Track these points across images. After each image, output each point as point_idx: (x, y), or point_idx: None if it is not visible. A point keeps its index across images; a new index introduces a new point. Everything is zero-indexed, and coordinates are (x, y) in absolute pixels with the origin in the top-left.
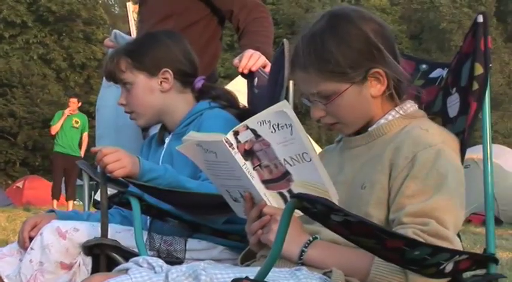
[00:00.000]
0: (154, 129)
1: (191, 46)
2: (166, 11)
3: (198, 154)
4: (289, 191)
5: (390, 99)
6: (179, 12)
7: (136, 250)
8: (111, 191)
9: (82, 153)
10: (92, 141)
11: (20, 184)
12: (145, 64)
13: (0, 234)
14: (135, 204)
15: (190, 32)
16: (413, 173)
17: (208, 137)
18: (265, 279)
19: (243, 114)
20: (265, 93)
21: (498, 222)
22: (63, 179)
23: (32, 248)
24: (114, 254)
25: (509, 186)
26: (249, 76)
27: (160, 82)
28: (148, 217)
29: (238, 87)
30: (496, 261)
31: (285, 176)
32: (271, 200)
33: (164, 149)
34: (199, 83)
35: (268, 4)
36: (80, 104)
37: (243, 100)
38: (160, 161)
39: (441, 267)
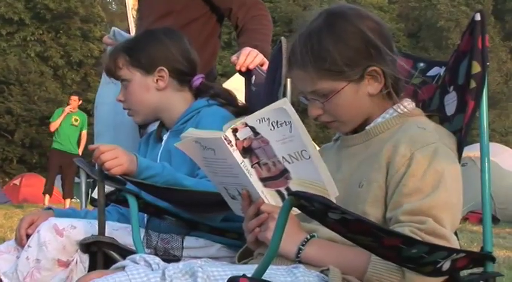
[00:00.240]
0: (153, 127)
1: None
2: (166, 8)
3: (196, 151)
4: (287, 189)
5: (387, 97)
6: (178, 10)
7: (133, 248)
8: (108, 188)
9: (80, 151)
10: (90, 138)
11: (17, 181)
12: (142, 62)
13: None
14: (132, 201)
15: (189, 30)
16: (410, 172)
17: (207, 134)
18: (263, 277)
19: (241, 112)
20: (262, 91)
21: (495, 220)
22: (60, 176)
23: (29, 246)
24: (111, 252)
25: (506, 185)
26: (247, 74)
27: (156, 80)
28: (145, 215)
29: (236, 85)
30: (493, 259)
31: (283, 173)
32: (269, 197)
33: (162, 146)
34: (197, 81)
35: (266, 2)
36: (80, 102)
37: (240, 98)
38: (158, 158)
39: (438, 265)
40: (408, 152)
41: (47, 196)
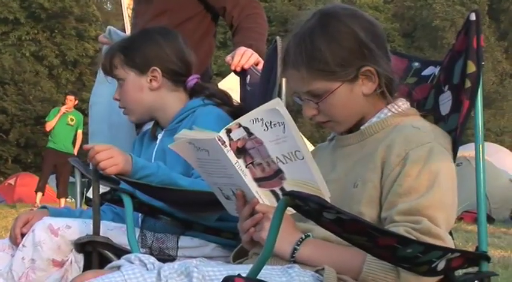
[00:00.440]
0: (148, 126)
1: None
2: (160, 7)
3: (190, 152)
4: (282, 189)
5: (382, 97)
6: (172, 9)
7: (128, 247)
8: (103, 188)
9: (76, 151)
10: (85, 138)
11: (12, 181)
12: (136, 62)
13: None
14: (127, 201)
15: (184, 29)
16: (405, 171)
17: (201, 135)
18: (258, 277)
19: (236, 112)
20: (257, 91)
21: (490, 220)
22: (55, 176)
23: (23, 245)
24: (106, 251)
25: (501, 185)
26: (242, 73)
27: (150, 80)
28: (140, 214)
29: (231, 85)
30: (488, 259)
31: (278, 174)
32: (264, 198)
33: (157, 145)
34: (192, 81)
35: (261, 1)
36: (76, 102)
37: (235, 97)
38: (153, 157)
39: (433, 265)
40: (403, 151)
41: (39, 194)
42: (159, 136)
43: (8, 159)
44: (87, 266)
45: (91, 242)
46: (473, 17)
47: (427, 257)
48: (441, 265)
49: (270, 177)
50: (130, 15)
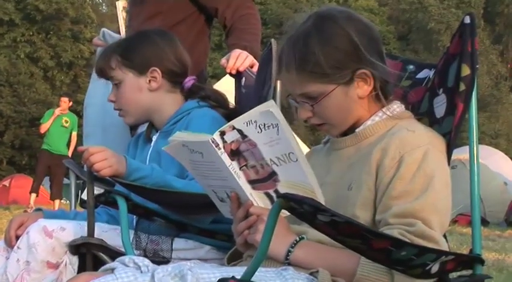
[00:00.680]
0: (142, 128)
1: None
2: (153, 9)
3: (184, 154)
4: (276, 191)
5: (377, 100)
6: (166, 11)
7: (122, 249)
8: (97, 190)
9: (70, 153)
10: (80, 140)
11: (6, 183)
12: (135, 62)
13: None
14: (121, 203)
15: (178, 30)
16: (399, 174)
17: (194, 138)
18: (252, 279)
19: (231, 114)
20: (252, 93)
21: (485, 223)
22: (49, 178)
23: (18, 247)
24: (101, 254)
25: (495, 187)
26: (237, 76)
27: (149, 81)
28: (134, 216)
29: (226, 87)
30: (482, 262)
31: (272, 176)
32: (258, 200)
33: (151, 147)
34: (189, 83)
35: (256, 4)
36: (71, 103)
37: (231, 100)
38: (148, 159)
39: (427, 267)
40: (397, 154)
41: (33, 195)
42: (154, 138)
43: (3, 161)
44: (81, 268)
45: (85, 243)
46: (467, 20)
47: (421, 260)
48: (435, 268)
49: (264, 179)
50: (125, 17)
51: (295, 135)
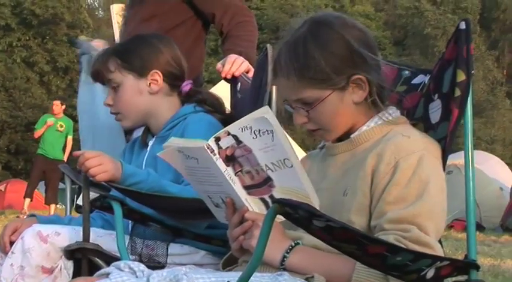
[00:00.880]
0: (138, 132)
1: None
2: (149, 12)
3: (180, 160)
4: (271, 197)
5: (372, 105)
6: (162, 14)
7: (118, 254)
8: (93, 194)
9: (66, 157)
10: (76, 144)
11: (2, 187)
12: (135, 65)
13: None
14: (117, 208)
15: (174, 34)
16: (395, 180)
17: (190, 143)
18: None
19: (227, 119)
20: (248, 98)
21: (480, 228)
22: (44, 182)
23: (13, 252)
24: (96, 258)
25: (491, 193)
26: (233, 81)
27: (149, 84)
28: (130, 221)
29: (221, 93)
30: (477, 267)
31: (267, 181)
32: (253, 205)
33: (147, 152)
34: (186, 86)
35: (252, 9)
36: (63, 106)
37: (226, 105)
38: (144, 164)
39: (422, 273)
40: (393, 160)
41: (27, 200)
42: (150, 143)
43: None
44: (76, 273)
45: (81, 248)
46: (463, 25)
47: (417, 265)
48: (430, 273)
49: (259, 184)
50: (119, 22)
51: (292, 140)
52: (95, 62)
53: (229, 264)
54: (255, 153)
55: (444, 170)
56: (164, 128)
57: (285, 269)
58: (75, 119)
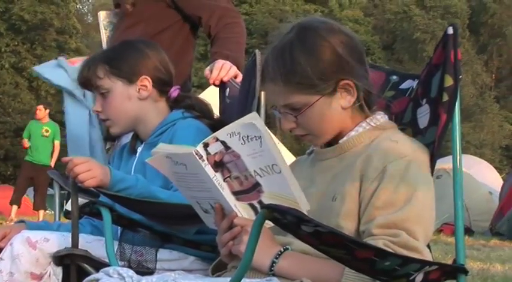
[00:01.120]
0: (126, 139)
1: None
2: (134, 18)
3: (168, 166)
4: (260, 202)
5: (360, 110)
6: (148, 19)
7: (107, 260)
8: (81, 200)
9: (53, 162)
10: (62, 149)
11: None
12: (123, 71)
13: None
14: (106, 214)
15: (159, 39)
16: (383, 185)
17: (178, 150)
18: None
19: (216, 125)
20: (236, 104)
21: (470, 232)
22: (33, 188)
23: (1, 258)
24: (85, 264)
25: (481, 197)
26: (221, 86)
27: (139, 89)
28: (119, 227)
29: (210, 98)
30: (465, 271)
31: (255, 187)
32: (242, 211)
33: (136, 159)
34: (174, 92)
35: (242, 14)
36: (47, 111)
37: (215, 111)
38: (133, 170)
39: (411, 277)
40: (381, 165)
41: (15, 207)
42: (139, 149)
43: None
44: (65, 279)
45: (69, 254)
46: (450, 30)
47: (405, 270)
48: (419, 278)
49: (248, 190)
50: (106, 28)
51: (281, 144)
52: (83, 69)
53: (218, 269)
54: (244, 159)
55: (433, 174)
56: (153, 134)
57: (274, 275)
58: (64, 125)
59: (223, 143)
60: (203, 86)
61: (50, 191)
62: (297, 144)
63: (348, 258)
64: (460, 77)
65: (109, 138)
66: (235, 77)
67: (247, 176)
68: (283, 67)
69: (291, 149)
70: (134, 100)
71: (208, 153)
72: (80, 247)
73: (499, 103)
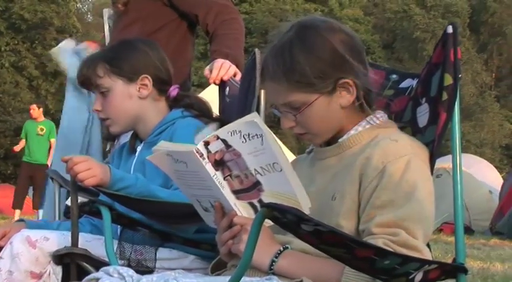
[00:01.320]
0: (125, 138)
1: None
2: (132, 16)
3: (169, 164)
4: (260, 201)
5: (360, 109)
6: (145, 18)
7: (106, 259)
8: (81, 199)
9: (49, 161)
10: None
11: None
12: (124, 70)
13: None
14: (105, 213)
15: (156, 38)
16: (383, 184)
17: (179, 147)
18: None
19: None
20: (236, 102)
21: (470, 231)
22: (32, 187)
23: (1, 257)
24: (85, 263)
25: (481, 196)
26: (221, 85)
27: (139, 88)
28: (118, 226)
29: (210, 98)
30: (465, 271)
31: (256, 186)
32: (242, 210)
33: (136, 158)
34: (174, 91)
35: (242, 13)
36: (41, 109)
37: (215, 110)
38: (132, 169)
39: (411, 276)
40: (380, 164)
41: (18, 211)
42: (138, 148)
43: None
44: (65, 278)
45: (69, 253)
46: (450, 29)
47: (405, 269)
48: (419, 277)
49: (248, 189)
50: (110, 25)
51: (282, 144)
52: (82, 67)
53: (218, 268)
54: (244, 158)
55: (432, 173)
56: (152, 133)
57: (273, 274)
58: (58, 122)
59: (224, 141)
60: (203, 85)
61: None
62: (297, 143)
63: (348, 257)
64: (460, 76)
65: (108, 137)
66: (235, 76)
67: (247, 175)
68: (283, 66)
69: (291, 148)
70: (134, 99)
71: (209, 152)
72: (79, 246)
73: (499, 102)
